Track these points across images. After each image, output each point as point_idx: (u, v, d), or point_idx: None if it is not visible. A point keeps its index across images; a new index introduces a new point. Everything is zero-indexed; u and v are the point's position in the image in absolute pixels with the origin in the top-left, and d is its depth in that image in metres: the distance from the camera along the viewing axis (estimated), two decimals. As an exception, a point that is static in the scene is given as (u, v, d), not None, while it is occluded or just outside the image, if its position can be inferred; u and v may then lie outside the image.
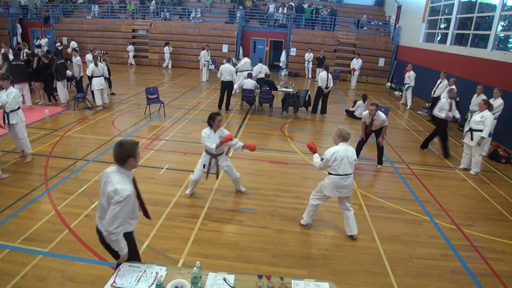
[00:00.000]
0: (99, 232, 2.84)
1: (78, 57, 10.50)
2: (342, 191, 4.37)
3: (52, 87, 10.43)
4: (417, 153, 8.06)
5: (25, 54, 11.70)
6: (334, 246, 4.40)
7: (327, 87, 10.43)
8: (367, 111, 6.68)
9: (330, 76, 10.46)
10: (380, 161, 7.06)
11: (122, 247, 2.74)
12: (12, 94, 5.84)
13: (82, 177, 5.73)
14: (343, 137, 4.28)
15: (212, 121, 4.87)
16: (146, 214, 3.10)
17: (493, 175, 7.05)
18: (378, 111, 6.52)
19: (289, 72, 18.91)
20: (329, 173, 4.35)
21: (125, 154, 2.69)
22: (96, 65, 9.68)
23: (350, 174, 4.33)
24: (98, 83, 9.73)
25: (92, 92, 10.04)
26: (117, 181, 2.64)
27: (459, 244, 4.61)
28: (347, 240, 4.53)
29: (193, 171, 6.14)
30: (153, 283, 2.59)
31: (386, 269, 4.02)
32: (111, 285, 2.58)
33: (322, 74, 10.50)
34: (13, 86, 6.11)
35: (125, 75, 16.29)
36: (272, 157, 7.15)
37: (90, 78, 9.84)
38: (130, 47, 18.94)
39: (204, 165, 5.10)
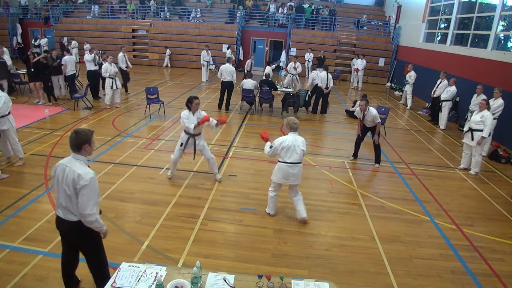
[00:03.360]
0: (63, 223, 2.91)
1: (66, 57, 10.55)
2: (289, 178, 4.60)
3: (52, 87, 10.46)
4: (417, 153, 8.06)
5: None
6: (334, 246, 4.40)
7: (327, 87, 10.43)
8: (358, 107, 6.81)
9: (330, 76, 10.46)
10: (377, 160, 7.06)
11: (102, 225, 2.94)
12: (2, 99, 5.56)
13: (82, 177, 5.72)
14: (291, 127, 4.53)
15: (190, 104, 5.31)
16: None
17: (493, 175, 7.05)
18: (369, 107, 6.63)
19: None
20: (279, 161, 4.60)
21: (81, 141, 2.83)
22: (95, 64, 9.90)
23: (298, 163, 4.56)
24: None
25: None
26: (77, 167, 2.79)
27: (459, 244, 4.61)
28: (347, 240, 4.53)
29: (193, 171, 6.17)
30: (153, 283, 2.59)
31: (386, 269, 4.02)
32: (111, 285, 2.59)
33: (322, 74, 10.47)
34: (2, 90, 5.86)
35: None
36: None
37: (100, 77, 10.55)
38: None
39: (181, 144, 5.48)
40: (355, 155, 7.35)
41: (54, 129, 8.01)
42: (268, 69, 12.93)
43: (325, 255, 4.20)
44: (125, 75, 12.04)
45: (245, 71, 14.21)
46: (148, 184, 5.66)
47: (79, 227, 2.88)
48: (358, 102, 10.66)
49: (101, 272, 3.18)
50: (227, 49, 18.37)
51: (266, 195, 5.53)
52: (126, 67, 11.96)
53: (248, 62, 15.15)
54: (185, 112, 5.39)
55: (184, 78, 16.42)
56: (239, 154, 7.22)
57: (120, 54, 11.90)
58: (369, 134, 7.16)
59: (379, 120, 6.75)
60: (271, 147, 4.55)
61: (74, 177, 2.75)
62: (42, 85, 10.02)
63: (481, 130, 6.62)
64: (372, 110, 6.63)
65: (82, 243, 3.05)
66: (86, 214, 2.78)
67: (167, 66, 19.45)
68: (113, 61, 10.01)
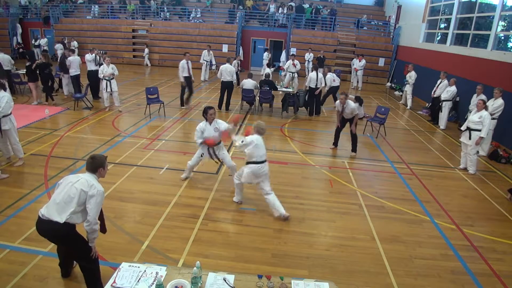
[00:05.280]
0: (43, 222, 3.01)
1: (71, 57, 10.52)
2: (261, 176, 4.83)
3: (51, 87, 10.47)
4: (417, 153, 8.06)
5: None
6: (334, 246, 4.40)
7: (317, 88, 10.31)
8: (338, 101, 7.44)
9: (320, 76, 10.28)
10: (354, 149, 7.55)
11: (97, 237, 3.19)
12: (5, 99, 5.56)
13: (82, 177, 5.72)
14: (258, 131, 4.82)
15: (206, 114, 5.39)
16: (102, 228, 3.38)
17: (493, 175, 7.05)
18: (348, 100, 7.30)
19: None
20: (248, 163, 4.81)
21: (97, 165, 3.20)
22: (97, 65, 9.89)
23: (265, 161, 4.80)
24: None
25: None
26: (92, 179, 3.13)
27: (459, 244, 4.61)
28: (347, 240, 4.53)
29: (193, 171, 6.16)
30: (153, 283, 2.59)
31: (386, 269, 4.03)
32: (111, 285, 2.59)
33: (312, 75, 10.31)
34: (5, 90, 5.86)
35: (125, 75, 16.27)
36: (272, 157, 7.14)
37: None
38: (58, 46, 17.29)
39: (202, 154, 5.56)
40: (335, 144, 7.82)
41: (54, 129, 8.01)
42: (268, 71, 12.88)
43: (325, 255, 4.20)
44: (188, 85, 10.65)
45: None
46: (148, 184, 5.66)
47: (58, 228, 2.98)
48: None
49: (89, 273, 3.24)
50: (264, 51, 18.27)
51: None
52: (187, 76, 10.58)
53: (234, 62, 14.38)
54: (201, 125, 5.40)
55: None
56: (239, 154, 7.22)
57: (183, 62, 10.62)
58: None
59: (357, 112, 7.41)
60: (242, 141, 4.74)
61: (88, 184, 3.05)
62: (36, 85, 9.99)
63: (480, 130, 6.61)
64: (351, 103, 7.28)
65: (63, 243, 3.20)
66: (95, 221, 3.07)
67: (146, 65, 19.53)
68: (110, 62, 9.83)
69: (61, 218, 2.96)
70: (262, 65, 20.47)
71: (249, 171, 4.79)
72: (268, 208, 5.14)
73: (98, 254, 3.30)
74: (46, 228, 3.02)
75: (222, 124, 5.47)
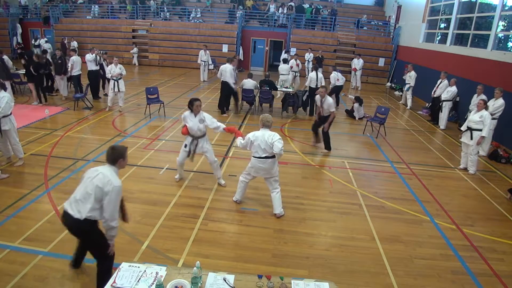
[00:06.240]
0: (68, 216, 3.03)
1: (74, 57, 10.51)
2: (260, 172, 4.85)
3: (51, 87, 10.47)
4: (417, 153, 8.05)
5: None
6: (334, 246, 4.40)
7: (317, 88, 10.28)
8: (318, 95, 7.42)
9: (320, 75, 10.23)
10: (327, 147, 7.56)
11: (116, 235, 3.18)
12: (5, 99, 5.55)
13: (82, 177, 5.72)
14: (263, 124, 4.79)
15: (191, 105, 5.33)
16: (124, 217, 3.36)
17: (493, 175, 7.05)
18: (327, 95, 7.25)
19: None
20: (253, 156, 4.83)
21: (117, 156, 3.12)
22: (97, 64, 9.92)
23: (267, 157, 4.72)
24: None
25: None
26: (110, 174, 3.05)
27: (459, 244, 4.61)
28: (347, 240, 4.53)
29: (193, 171, 6.17)
30: (153, 283, 2.59)
31: (386, 269, 4.03)
32: (111, 285, 2.59)
33: (312, 75, 10.29)
34: (5, 90, 5.85)
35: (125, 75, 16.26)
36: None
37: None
38: (46, 45, 17.49)
39: (185, 145, 5.49)
40: (316, 141, 7.83)
41: (54, 129, 8.01)
42: (285, 70, 12.75)
43: (325, 255, 4.20)
44: (230, 91, 10.14)
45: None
46: (148, 184, 5.66)
47: (79, 224, 3.01)
48: (354, 105, 10.67)
49: (102, 269, 3.26)
50: (284, 53, 18.08)
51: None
52: (234, 83, 10.04)
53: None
54: (186, 113, 5.41)
55: (184, 78, 16.43)
56: (239, 154, 7.23)
57: (228, 66, 9.97)
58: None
59: (333, 110, 7.24)
60: (241, 142, 4.84)
61: (105, 181, 2.99)
62: (34, 86, 9.99)
63: (480, 130, 6.61)
64: (329, 99, 7.21)
65: (83, 238, 3.24)
66: (113, 219, 3.06)
67: (135, 64, 19.51)
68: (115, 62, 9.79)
69: (80, 215, 2.98)
70: (262, 65, 20.63)
71: (250, 164, 4.93)
72: (268, 208, 5.15)
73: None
74: (69, 223, 3.06)
75: (208, 117, 5.40)
